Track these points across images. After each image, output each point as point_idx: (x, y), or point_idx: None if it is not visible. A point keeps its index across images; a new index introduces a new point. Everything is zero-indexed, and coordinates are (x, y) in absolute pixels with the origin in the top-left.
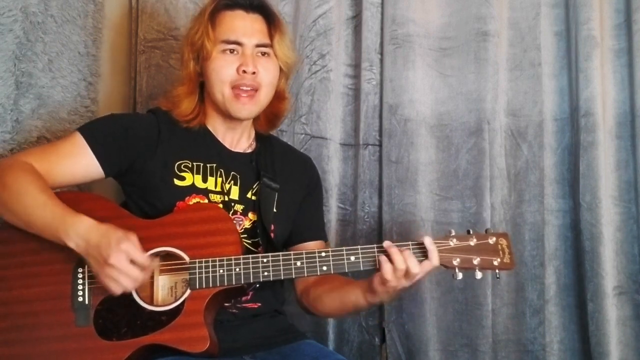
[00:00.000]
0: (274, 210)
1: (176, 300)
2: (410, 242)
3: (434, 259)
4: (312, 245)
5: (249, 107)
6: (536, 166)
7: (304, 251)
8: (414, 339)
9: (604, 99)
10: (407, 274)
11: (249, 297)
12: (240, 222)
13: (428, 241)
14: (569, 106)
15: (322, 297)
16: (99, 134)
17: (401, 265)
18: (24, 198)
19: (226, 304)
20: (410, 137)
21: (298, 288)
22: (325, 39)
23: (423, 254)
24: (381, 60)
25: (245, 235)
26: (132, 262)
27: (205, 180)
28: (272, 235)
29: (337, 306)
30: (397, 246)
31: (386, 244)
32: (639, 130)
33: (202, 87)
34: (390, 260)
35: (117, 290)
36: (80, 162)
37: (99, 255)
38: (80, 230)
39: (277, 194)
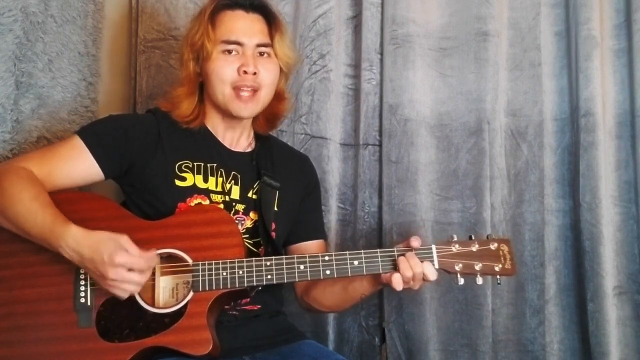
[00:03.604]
0: (275, 209)
1: (178, 302)
2: (413, 249)
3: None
4: (312, 244)
5: (250, 106)
6: (536, 166)
7: (307, 255)
8: (414, 339)
9: (604, 99)
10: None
11: (248, 300)
12: (242, 222)
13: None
14: (569, 106)
15: (325, 290)
16: (98, 136)
17: (408, 272)
18: (17, 206)
19: (226, 306)
20: (410, 137)
21: (298, 288)
22: (325, 39)
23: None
24: (381, 60)
25: (247, 235)
26: (132, 269)
27: (206, 180)
28: (273, 234)
29: (340, 297)
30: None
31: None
32: (639, 130)
33: (201, 87)
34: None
35: (123, 296)
36: (79, 166)
37: (96, 269)
38: (70, 243)
39: (277, 192)
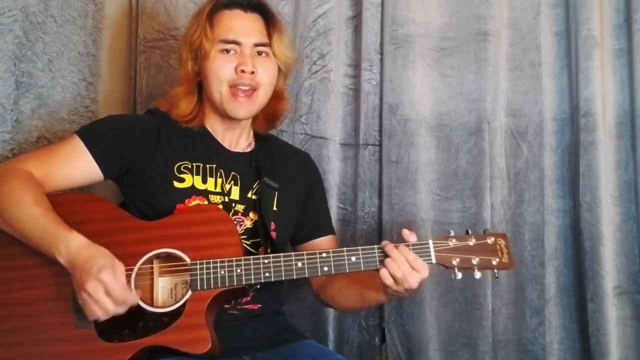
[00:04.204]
0: (275, 209)
1: (177, 301)
2: (410, 243)
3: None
4: (322, 241)
5: (247, 107)
6: (536, 166)
7: (304, 252)
8: (414, 339)
9: (604, 99)
10: (410, 271)
11: (249, 298)
12: (242, 223)
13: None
14: (569, 106)
15: (342, 290)
16: (98, 136)
17: (401, 261)
18: (17, 210)
19: (227, 306)
20: (410, 137)
21: (314, 283)
22: (325, 39)
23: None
24: (381, 60)
25: (246, 236)
26: (109, 294)
27: (205, 181)
28: (273, 234)
29: (358, 302)
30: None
31: (384, 243)
32: (639, 130)
33: (200, 87)
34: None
35: (89, 315)
36: (79, 166)
37: (79, 277)
38: (71, 247)
39: (277, 192)
